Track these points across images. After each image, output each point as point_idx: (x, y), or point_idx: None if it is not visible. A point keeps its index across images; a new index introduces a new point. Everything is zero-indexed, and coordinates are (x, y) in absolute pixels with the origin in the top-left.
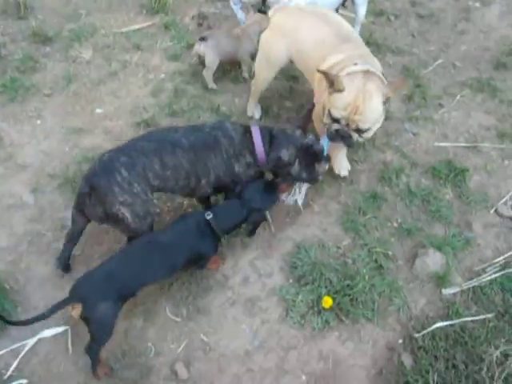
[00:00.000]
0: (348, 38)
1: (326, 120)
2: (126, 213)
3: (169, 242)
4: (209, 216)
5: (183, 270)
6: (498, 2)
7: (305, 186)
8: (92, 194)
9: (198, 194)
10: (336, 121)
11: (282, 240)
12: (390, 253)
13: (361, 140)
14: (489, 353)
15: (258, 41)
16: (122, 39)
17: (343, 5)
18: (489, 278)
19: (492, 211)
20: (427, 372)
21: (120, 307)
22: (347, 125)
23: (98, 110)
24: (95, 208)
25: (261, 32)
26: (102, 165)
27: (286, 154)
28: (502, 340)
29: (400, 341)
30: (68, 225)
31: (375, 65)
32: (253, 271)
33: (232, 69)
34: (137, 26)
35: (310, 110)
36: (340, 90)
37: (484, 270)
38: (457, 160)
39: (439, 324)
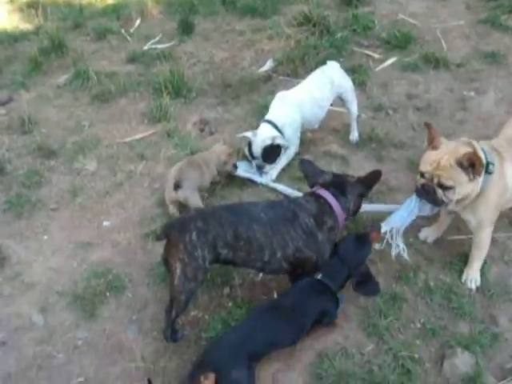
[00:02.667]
0: None
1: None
2: (177, 268)
3: (293, 306)
4: (318, 276)
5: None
6: (493, 90)
7: (399, 236)
8: (166, 240)
9: (274, 269)
10: (422, 175)
11: (304, 349)
12: (417, 356)
13: (446, 200)
14: None
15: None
16: (126, 149)
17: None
18: None
19: None
20: None
21: (253, 374)
22: (431, 180)
23: (106, 223)
24: (164, 251)
25: (220, 164)
26: (181, 220)
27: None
28: None
29: None
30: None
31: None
32: None
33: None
34: (140, 136)
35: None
36: (435, 148)
37: None
38: None
39: None
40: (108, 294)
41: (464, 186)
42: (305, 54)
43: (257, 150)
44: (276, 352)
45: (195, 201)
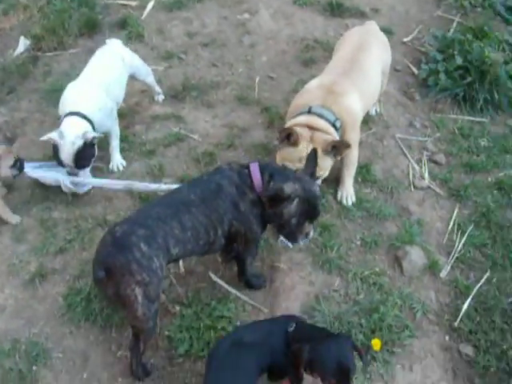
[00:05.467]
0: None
1: None
2: (138, 295)
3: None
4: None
5: None
6: (263, 8)
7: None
8: (107, 276)
9: (215, 248)
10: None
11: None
12: (377, 269)
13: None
14: None
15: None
16: None
17: None
18: (460, 241)
19: (413, 189)
20: (488, 348)
21: None
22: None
23: None
24: (107, 288)
25: None
26: (116, 241)
27: (289, 187)
28: None
29: (447, 337)
30: None
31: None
32: None
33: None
34: None
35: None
36: (295, 144)
37: (450, 239)
38: None
39: (466, 303)
40: (35, 368)
41: (330, 166)
42: (62, 20)
43: (67, 155)
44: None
45: None
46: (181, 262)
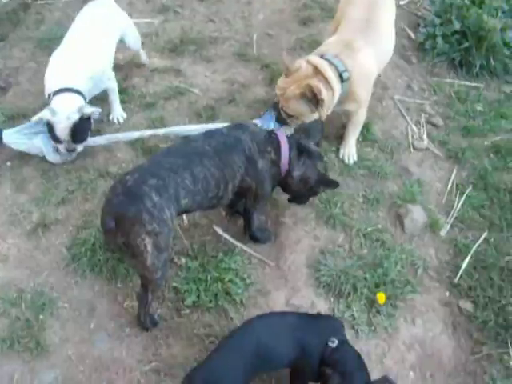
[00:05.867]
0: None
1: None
2: (148, 244)
3: None
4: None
5: None
6: None
7: None
8: (117, 226)
9: (223, 203)
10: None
11: (293, 269)
12: (380, 225)
13: (291, 123)
14: None
15: None
16: None
17: None
18: (459, 201)
19: (412, 150)
20: (486, 304)
21: None
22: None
23: None
24: (116, 238)
25: None
26: (128, 191)
27: (313, 175)
28: None
29: (447, 293)
30: None
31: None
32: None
33: None
34: None
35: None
36: (287, 75)
37: (449, 199)
38: None
39: (465, 261)
40: (41, 317)
41: (307, 116)
42: None
43: (63, 132)
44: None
45: None
46: (184, 215)
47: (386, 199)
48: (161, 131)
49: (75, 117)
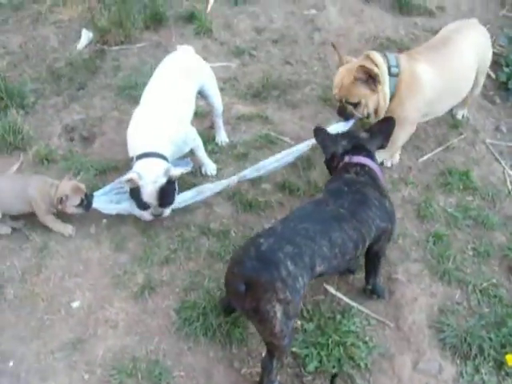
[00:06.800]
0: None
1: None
2: (278, 311)
3: None
4: None
5: None
6: (329, 4)
7: None
8: (248, 290)
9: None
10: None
11: (414, 329)
12: (495, 280)
13: (359, 115)
14: None
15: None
16: None
17: None
18: None
19: None
20: None
21: None
22: (341, 100)
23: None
24: (245, 302)
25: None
26: (262, 255)
27: None
28: None
29: None
30: None
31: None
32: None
33: None
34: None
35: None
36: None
37: None
38: None
39: None
40: None
41: (370, 98)
42: (128, 13)
43: (150, 195)
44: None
45: None
46: None
47: (496, 251)
48: (246, 172)
49: (162, 181)
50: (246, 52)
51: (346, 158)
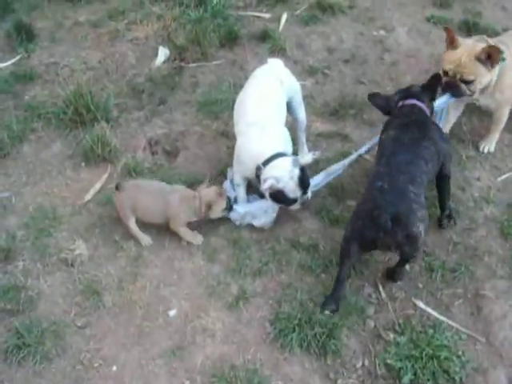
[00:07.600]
0: None
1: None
2: (421, 228)
3: None
4: None
5: None
6: (397, 25)
7: None
8: (394, 223)
9: None
10: (446, 73)
11: (506, 345)
12: None
13: (469, 92)
14: None
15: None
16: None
17: None
18: None
19: None
20: None
21: None
22: (454, 76)
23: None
24: (394, 236)
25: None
26: (390, 191)
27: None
28: None
29: None
30: None
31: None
32: None
33: None
34: (95, 189)
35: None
36: (455, 48)
37: None
38: None
39: None
40: None
41: (484, 77)
42: (204, 31)
43: (294, 191)
44: None
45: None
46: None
47: None
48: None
49: (297, 172)
50: (320, 71)
51: (400, 103)
